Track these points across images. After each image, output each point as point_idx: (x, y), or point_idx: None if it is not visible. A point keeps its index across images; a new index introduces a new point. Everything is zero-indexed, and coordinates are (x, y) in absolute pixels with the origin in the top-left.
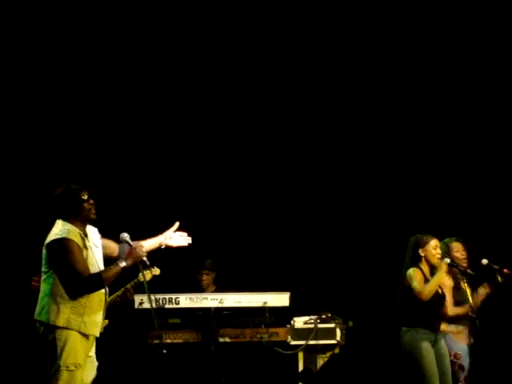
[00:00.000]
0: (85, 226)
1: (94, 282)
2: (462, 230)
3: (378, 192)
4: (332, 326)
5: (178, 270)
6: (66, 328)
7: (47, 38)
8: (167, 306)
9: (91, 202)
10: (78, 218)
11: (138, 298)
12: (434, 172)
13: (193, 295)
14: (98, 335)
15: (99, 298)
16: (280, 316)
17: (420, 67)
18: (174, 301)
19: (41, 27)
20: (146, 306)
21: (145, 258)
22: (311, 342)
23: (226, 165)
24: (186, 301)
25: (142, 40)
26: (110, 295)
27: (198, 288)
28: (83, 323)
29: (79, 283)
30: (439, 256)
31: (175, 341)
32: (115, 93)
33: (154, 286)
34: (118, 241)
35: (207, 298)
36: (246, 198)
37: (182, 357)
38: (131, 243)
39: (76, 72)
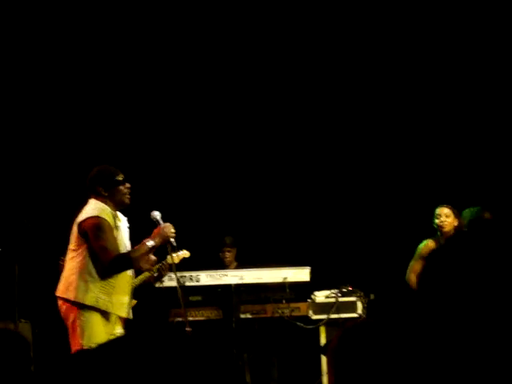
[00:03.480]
0: (116, 209)
1: (123, 262)
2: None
3: (400, 164)
4: (353, 299)
5: (199, 248)
6: (92, 307)
7: (57, 34)
8: (188, 283)
9: (127, 185)
10: (112, 200)
11: None
12: (456, 144)
13: (213, 272)
14: (124, 316)
15: (126, 279)
16: (301, 291)
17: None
18: (194, 278)
19: (48, 18)
20: (167, 284)
21: (172, 239)
22: (332, 316)
23: (246, 140)
24: (206, 278)
25: (146, 39)
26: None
27: (221, 265)
28: (111, 303)
29: (109, 262)
30: (440, 224)
31: (197, 318)
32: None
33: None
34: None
35: (227, 275)
36: (266, 173)
37: (203, 334)
38: (161, 222)
39: (84, 71)
